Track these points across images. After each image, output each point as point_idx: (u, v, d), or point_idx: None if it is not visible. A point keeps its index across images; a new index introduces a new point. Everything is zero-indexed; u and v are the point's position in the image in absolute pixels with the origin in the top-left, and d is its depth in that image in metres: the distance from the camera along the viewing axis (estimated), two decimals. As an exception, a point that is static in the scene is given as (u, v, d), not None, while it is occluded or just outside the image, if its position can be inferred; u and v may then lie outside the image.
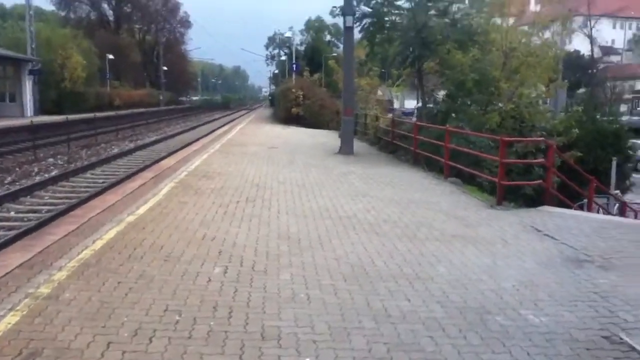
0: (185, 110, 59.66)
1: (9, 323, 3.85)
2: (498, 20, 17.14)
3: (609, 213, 12.83)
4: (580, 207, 11.87)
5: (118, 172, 14.95)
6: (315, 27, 75.93)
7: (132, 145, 22.32)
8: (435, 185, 11.29)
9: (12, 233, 7.88)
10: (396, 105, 63.23)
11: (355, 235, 6.84)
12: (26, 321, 3.90)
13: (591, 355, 3.88)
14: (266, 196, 9.12)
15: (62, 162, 16.61)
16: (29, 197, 11.24)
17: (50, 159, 17.15)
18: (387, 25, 17.98)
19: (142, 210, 7.61)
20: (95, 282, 4.73)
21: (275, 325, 4.07)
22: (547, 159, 10.01)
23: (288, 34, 49.59)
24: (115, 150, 20.21)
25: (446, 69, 16.14)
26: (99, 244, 5.88)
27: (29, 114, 34.17)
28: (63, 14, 66.59)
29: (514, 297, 4.94)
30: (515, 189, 13.20)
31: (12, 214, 9.90)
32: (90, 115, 27.46)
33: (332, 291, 4.86)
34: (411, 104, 44.96)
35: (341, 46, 39.10)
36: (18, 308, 4.11)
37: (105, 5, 70.96)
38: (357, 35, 19.09)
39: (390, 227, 7.34)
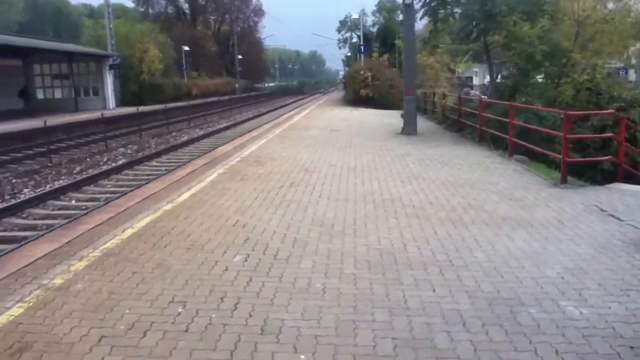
0: (260, 97, 60.41)
1: (12, 315, 3.85)
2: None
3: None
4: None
5: (182, 159, 15.23)
6: (387, 7, 74.26)
7: (201, 132, 22.80)
8: (498, 164, 10.59)
9: (65, 222, 8.12)
10: (476, 81, 60.99)
11: (394, 220, 6.46)
12: (29, 313, 3.88)
13: (635, 355, 3.36)
14: (312, 180, 8.88)
15: (131, 152, 17.17)
16: (92, 185, 11.65)
17: (121, 149, 17.80)
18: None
19: (182, 198, 7.59)
20: (110, 273, 4.68)
21: (279, 318, 3.83)
22: (618, 133, 9.08)
23: (355, 16, 48.58)
24: (185, 138, 20.68)
25: (513, 42, 15.09)
26: (128, 232, 5.88)
27: (110, 106, 35.91)
28: (142, 10, 69.17)
29: (556, 286, 4.42)
30: (591, 165, 12.25)
31: (73, 202, 10.28)
32: (162, 106, 28.22)
33: (352, 280, 4.55)
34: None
35: (419, 22, 38.00)
36: (26, 299, 4.12)
37: (180, -1, 73.00)
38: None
39: (435, 211, 6.89)
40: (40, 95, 37.32)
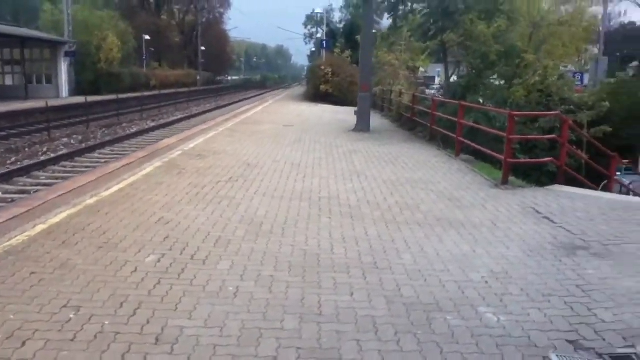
0: (221, 90, 59.54)
1: None
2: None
3: (634, 193, 11.70)
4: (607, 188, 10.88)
5: (127, 151, 14.71)
6: (354, 3, 74.03)
7: (153, 124, 22.18)
8: (443, 164, 10.51)
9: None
10: (438, 81, 61.42)
11: (327, 219, 6.24)
12: None
13: (545, 366, 3.22)
14: (252, 176, 8.58)
15: (74, 142, 16.51)
16: (24, 177, 11.10)
17: (65, 139, 17.10)
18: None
19: (109, 192, 7.20)
20: (4, 273, 4.30)
21: (178, 326, 3.55)
22: (561, 135, 9.09)
23: (318, 10, 48.20)
24: (134, 130, 20.06)
25: (469, 41, 15.09)
26: (39, 228, 5.48)
27: (64, 95, 34.66)
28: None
29: (478, 291, 4.27)
30: (538, 167, 12.35)
31: (0, 194, 9.72)
32: (114, 96, 27.32)
33: (268, 284, 4.30)
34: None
35: (381, 22, 37.85)
36: None
37: (146, -14, 71.07)
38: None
39: (370, 210, 6.70)
40: (-12, 81, 35.81)
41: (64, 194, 6.99)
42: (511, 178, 9.01)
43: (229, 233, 5.58)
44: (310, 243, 5.36)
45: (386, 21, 21.17)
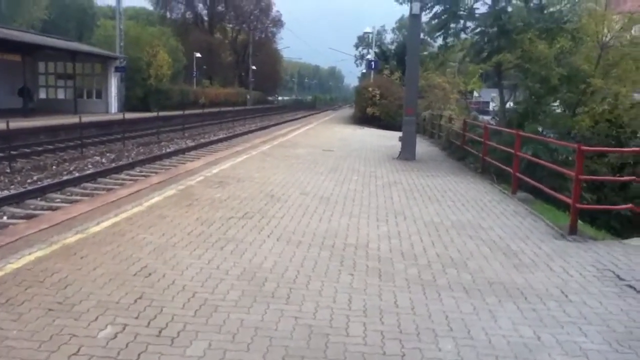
0: (269, 110, 59.26)
1: None
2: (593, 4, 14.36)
3: None
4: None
5: (158, 171, 13.85)
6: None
7: (192, 144, 21.48)
8: (498, 203, 9.08)
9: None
10: (491, 106, 59.39)
11: (348, 277, 4.99)
12: None
13: None
14: (271, 212, 7.43)
15: (105, 161, 15.84)
16: (38, 199, 10.33)
17: (97, 157, 16.49)
18: (463, 12, 15.72)
19: (99, 227, 6.18)
20: None
21: None
22: (642, 176, 7.57)
23: (368, 30, 47.03)
24: (171, 149, 19.36)
25: (527, 63, 13.59)
26: (-10, 277, 4.48)
27: (113, 110, 34.77)
28: (161, 13, 68.32)
29: (547, 417, 2.93)
30: (608, 210, 10.85)
31: (5, 219, 8.92)
32: (153, 114, 26.91)
33: (247, 386, 3.09)
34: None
35: (434, 45, 36.57)
36: None
37: (200, 5, 72.27)
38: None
39: (404, 266, 5.41)
40: (42, 94, 36.31)
41: (46, 227, 6.02)
42: (579, 224, 7.54)
43: (219, 294, 4.42)
44: (320, 315, 4.12)
45: (440, 43, 19.87)
